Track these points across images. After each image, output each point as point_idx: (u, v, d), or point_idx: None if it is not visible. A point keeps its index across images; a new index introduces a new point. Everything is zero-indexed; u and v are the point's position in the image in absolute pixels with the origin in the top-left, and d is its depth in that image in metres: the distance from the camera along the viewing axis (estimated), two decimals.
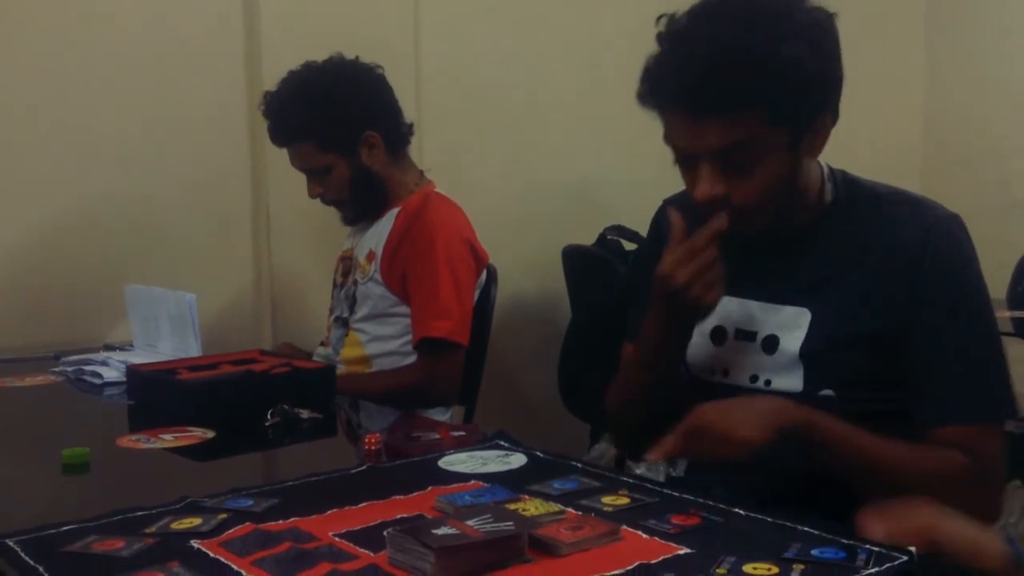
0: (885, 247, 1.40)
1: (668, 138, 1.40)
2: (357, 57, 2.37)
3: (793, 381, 1.43)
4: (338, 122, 2.29)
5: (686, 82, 1.32)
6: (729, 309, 1.50)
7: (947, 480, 1.34)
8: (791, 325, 1.44)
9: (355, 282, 2.39)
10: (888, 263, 1.40)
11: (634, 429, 1.58)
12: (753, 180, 1.37)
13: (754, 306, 1.49)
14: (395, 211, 2.36)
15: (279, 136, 2.35)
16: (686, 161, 1.41)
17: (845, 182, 1.49)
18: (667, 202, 1.63)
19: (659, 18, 1.40)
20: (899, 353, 1.39)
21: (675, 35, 1.37)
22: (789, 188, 1.41)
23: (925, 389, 1.38)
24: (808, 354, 1.42)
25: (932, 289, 1.37)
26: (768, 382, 1.46)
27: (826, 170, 1.49)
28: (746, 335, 1.49)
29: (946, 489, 1.31)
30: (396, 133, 2.39)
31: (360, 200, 2.37)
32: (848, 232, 1.44)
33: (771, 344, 1.46)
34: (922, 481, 1.33)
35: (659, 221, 1.65)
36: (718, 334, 1.52)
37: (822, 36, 1.36)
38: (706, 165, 1.37)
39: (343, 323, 2.40)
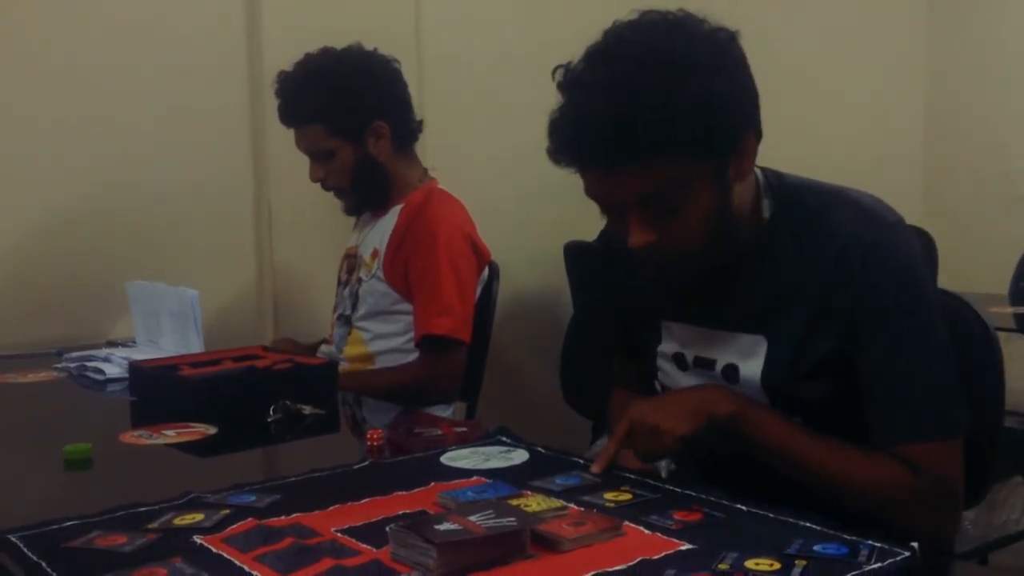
0: (826, 261, 1.33)
1: (587, 192, 1.34)
2: (376, 49, 2.37)
3: None
4: (351, 110, 2.29)
5: (589, 139, 1.26)
6: (685, 336, 1.48)
7: (886, 491, 1.28)
8: (748, 353, 1.40)
9: (359, 280, 2.38)
10: (831, 278, 1.32)
11: None
12: (684, 219, 1.30)
13: (708, 333, 1.45)
14: (398, 208, 2.36)
15: (289, 116, 2.34)
16: (611, 211, 1.36)
17: (782, 190, 1.41)
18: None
19: (555, 69, 1.33)
20: (855, 370, 1.33)
21: (573, 86, 1.30)
22: (724, 218, 1.34)
23: (868, 408, 1.32)
24: (770, 385, 1.38)
25: (870, 304, 1.30)
26: None
27: (761, 180, 1.41)
28: (705, 363, 1.45)
29: (885, 499, 1.28)
30: (405, 128, 2.39)
31: (362, 189, 2.36)
32: (791, 248, 1.37)
33: (731, 373, 1.41)
34: (858, 487, 1.29)
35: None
36: (680, 360, 1.50)
37: (724, 59, 1.28)
38: (631, 214, 1.31)
39: (346, 321, 2.40)
